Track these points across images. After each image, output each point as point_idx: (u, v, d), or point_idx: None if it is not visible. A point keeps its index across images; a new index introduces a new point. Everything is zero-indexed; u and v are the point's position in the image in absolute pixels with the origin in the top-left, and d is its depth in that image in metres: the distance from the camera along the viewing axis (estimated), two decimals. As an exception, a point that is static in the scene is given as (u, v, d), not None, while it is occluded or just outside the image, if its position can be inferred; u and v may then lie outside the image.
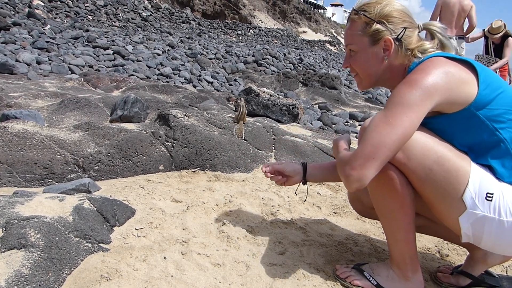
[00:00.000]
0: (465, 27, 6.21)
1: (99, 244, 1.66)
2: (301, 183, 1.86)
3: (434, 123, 1.43)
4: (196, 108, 4.50)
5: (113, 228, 1.84)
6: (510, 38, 6.53)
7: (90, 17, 22.03)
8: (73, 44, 11.43)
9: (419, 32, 1.53)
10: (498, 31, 6.52)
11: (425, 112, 1.33)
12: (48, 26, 14.04)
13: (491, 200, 1.33)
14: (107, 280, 1.44)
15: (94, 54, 10.16)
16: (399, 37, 1.48)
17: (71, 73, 7.52)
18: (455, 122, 1.39)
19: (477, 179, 1.35)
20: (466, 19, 6.13)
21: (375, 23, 1.48)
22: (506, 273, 1.85)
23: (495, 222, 1.33)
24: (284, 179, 1.84)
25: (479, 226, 1.36)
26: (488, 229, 1.35)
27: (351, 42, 1.57)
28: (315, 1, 74.39)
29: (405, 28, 1.48)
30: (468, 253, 1.73)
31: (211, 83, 9.72)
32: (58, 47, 10.31)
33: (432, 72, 1.34)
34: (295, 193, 2.13)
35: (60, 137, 2.62)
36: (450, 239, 1.84)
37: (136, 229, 1.85)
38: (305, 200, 2.31)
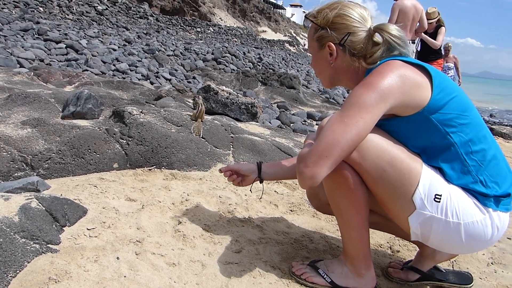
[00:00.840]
0: None
1: (48, 245, 1.59)
2: (258, 181, 1.92)
3: (389, 125, 1.47)
4: (153, 106, 4.41)
5: (63, 228, 1.77)
6: (443, 27, 6.73)
7: (41, 8, 21.08)
8: (22, 36, 10.90)
9: (369, 35, 1.51)
10: (433, 16, 6.68)
11: (379, 114, 1.37)
12: (-5, 16, 13.32)
13: (439, 201, 1.38)
14: (56, 282, 1.38)
15: (45, 47, 9.73)
16: (342, 42, 1.51)
17: (20, 67, 7.16)
18: (409, 125, 1.44)
19: (427, 181, 1.40)
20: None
21: (320, 29, 1.55)
22: (452, 268, 1.94)
23: (442, 223, 1.39)
24: (240, 179, 1.91)
25: (427, 226, 1.42)
26: (435, 229, 1.41)
27: (308, 45, 1.68)
28: (274, 1, 74.77)
29: (348, 33, 1.50)
30: (418, 249, 1.80)
31: (169, 80, 9.59)
32: (6, 39, 9.80)
33: (388, 75, 1.38)
34: (250, 190, 2.14)
35: (6, 133, 2.48)
36: (402, 236, 1.91)
37: (87, 229, 1.79)
38: (261, 198, 2.33)
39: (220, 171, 1.93)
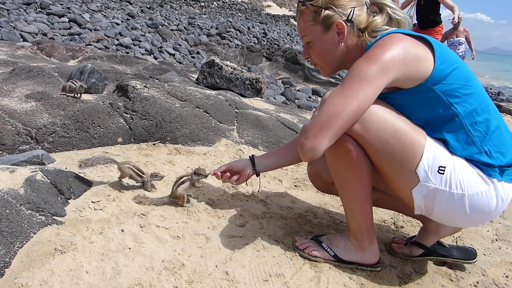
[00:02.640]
0: None
1: (53, 217, 1.60)
2: (255, 175, 1.85)
3: (392, 98, 1.45)
4: (157, 80, 4.38)
5: (68, 200, 1.78)
6: None
7: (43, -19, 20.74)
8: (25, 10, 10.79)
9: (368, 8, 1.53)
10: None
11: (381, 86, 1.35)
12: (-3, -10, 13.13)
13: (443, 173, 1.38)
14: (62, 253, 1.40)
15: (48, 21, 9.64)
16: (350, 18, 1.48)
17: (23, 41, 7.11)
18: (412, 97, 1.42)
19: (431, 153, 1.39)
20: None
21: (323, 9, 1.48)
22: (456, 243, 1.94)
23: (446, 195, 1.39)
24: (235, 177, 1.83)
25: (431, 198, 1.41)
26: (439, 201, 1.41)
27: (305, 33, 1.58)
28: (280, -25, 73.18)
29: (353, 8, 1.48)
30: (422, 225, 1.80)
31: (173, 55, 9.50)
32: (9, 12, 9.71)
33: (390, 47, 1.36)
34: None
35: (10, 107, 2.48)
36: (405, 212, 1.91)
37: (92, 202, 1.80)
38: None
39: (218, 174, 1.84)
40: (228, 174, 1.84)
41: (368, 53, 1.38)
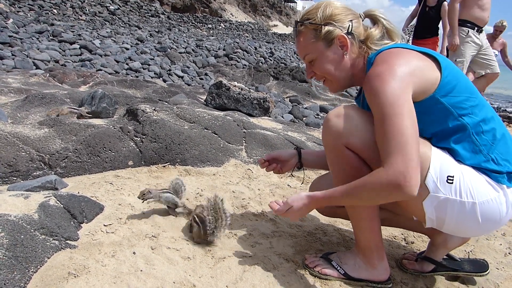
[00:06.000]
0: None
1: (67, 241, 1.64)
2: (296, 167, 1.95)
3: None
4: (166, 103, 4.45)
5: (81, 224, 1.81)
6: (445, 2, 5.86)
7: (55, 10, 21.30)
8: (37, 38, 11.05)
9: (363, 20, 1.58)
10: None
11: (410, 97, 1.34)
12: (11, 20, 13.49)
13: (452, 183, 1.39)
14: (75, 277, 1.42)
15: (60, 48, 9.86)
16: (350, 30, 1.52)
17: (36, 68, 7.29)
18: (421, 109, 1.42)
19: (438, 163, 1.40)
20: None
21: (323, 26, 1.52)
22: (468, 257, 1.93)
23: (457, 204, 1.39)
24: (279, 166, 1.93)
25: (442, 209, 1.42)
26: (450, 211, 1.41)
27: (306, 52, 1.59)
28: (285, -5, 74.20)
29: (351, 21, 1.53)
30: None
31: (182, 77, 9.62)
32: (22, 41, 9.95)
33: (397, 62, 1.38)
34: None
35: (24, 134, 2.55)
36: (411, 228, 1.92)
37: (104, 225, 1.83)
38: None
39: (262, 161, 1.93)
40: (275, 164, 1.93)
41: (377, 71, 1.37)
